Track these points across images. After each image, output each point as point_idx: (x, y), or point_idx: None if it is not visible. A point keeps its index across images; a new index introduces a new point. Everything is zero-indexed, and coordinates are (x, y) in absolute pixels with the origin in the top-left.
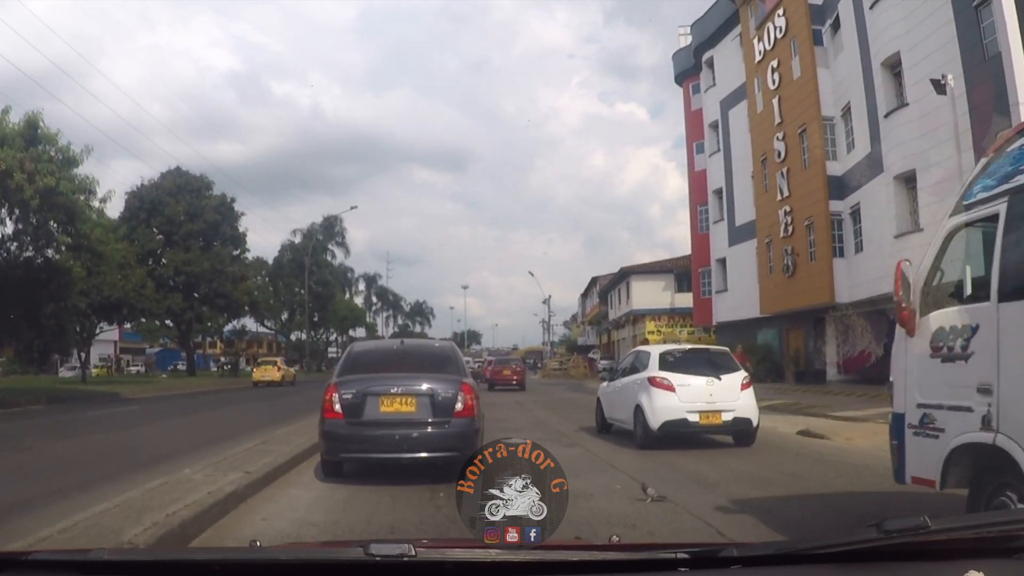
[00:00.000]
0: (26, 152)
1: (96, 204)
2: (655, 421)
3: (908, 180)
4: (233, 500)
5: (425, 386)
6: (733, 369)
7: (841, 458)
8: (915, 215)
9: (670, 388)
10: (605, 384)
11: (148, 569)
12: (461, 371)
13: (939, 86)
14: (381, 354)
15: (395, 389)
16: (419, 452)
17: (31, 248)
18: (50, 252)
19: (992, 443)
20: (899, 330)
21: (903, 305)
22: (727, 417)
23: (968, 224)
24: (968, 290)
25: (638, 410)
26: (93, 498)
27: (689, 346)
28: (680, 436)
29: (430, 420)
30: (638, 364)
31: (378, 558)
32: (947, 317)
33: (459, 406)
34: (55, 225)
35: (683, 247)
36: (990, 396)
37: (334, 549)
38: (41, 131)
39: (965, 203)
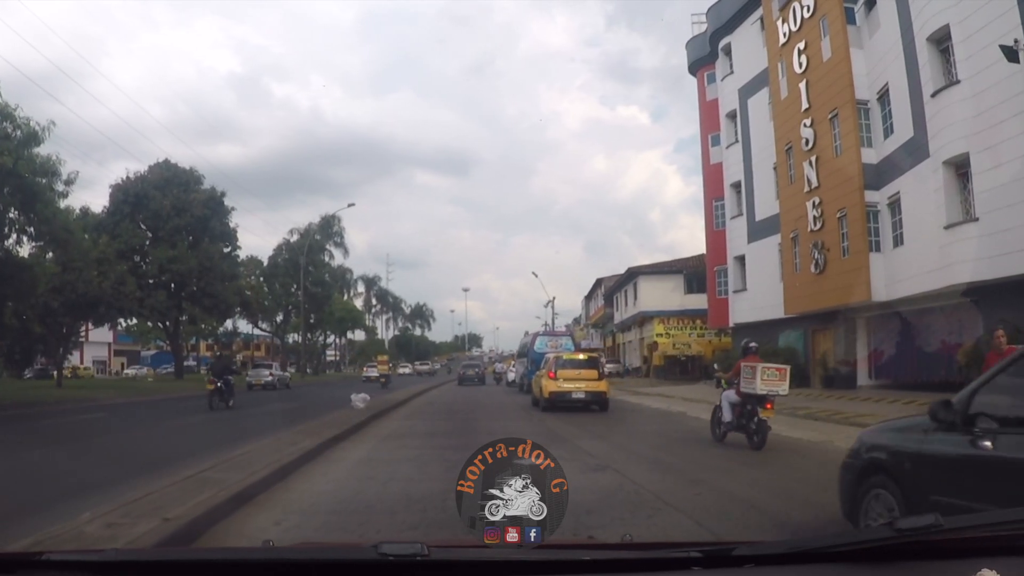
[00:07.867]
0: None
1: (60, 187)
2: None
3: (959, 165)
4: None
5: (474, 368)
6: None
7: None
8: (967, 203)
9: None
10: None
11: (161, 568)
12: (484, 365)
13: (1011, 52)
14: (464, 361)
15: (468, 369)
16: (474, 380)
17: None
18: (10, 243)
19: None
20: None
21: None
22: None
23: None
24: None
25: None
26: None
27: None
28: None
29: (475, 374)
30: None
31: (391, 557)
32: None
33: (481, 372)
34: (16, 213)
35: (685, 251)
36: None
37: (347, 548)
38: None
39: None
